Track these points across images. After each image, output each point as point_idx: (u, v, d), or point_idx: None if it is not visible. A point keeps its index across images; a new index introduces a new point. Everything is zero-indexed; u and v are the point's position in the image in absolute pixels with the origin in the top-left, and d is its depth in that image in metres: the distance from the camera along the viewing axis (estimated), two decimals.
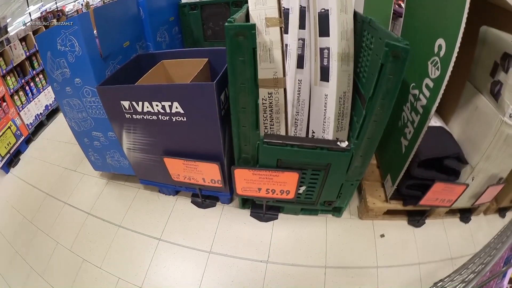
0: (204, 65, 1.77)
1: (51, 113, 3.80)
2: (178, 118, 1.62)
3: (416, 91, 1.66)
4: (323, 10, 1.53)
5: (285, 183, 1.65)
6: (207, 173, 1.77)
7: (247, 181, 1.67)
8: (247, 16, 1.51)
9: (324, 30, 1.53)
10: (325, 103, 1.59)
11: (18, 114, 3.28)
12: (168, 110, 1.61)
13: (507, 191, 1.93)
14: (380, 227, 1.97)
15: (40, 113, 3.62)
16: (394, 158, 1.89)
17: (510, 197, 2.00)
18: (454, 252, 1.87)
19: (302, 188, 1.73)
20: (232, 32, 1.23)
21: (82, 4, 4.84)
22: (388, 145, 1.99)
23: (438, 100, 1.45)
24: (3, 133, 2.98)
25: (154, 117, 1.67)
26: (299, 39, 1.58)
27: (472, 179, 1.75)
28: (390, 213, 1.98)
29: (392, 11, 2.22)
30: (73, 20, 1.75)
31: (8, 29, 4.58)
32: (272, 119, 1.57)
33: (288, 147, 1.54)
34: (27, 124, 3.37)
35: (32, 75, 3.67)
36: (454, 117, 1.90)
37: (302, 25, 1.60)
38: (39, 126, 3.61)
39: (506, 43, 1.51)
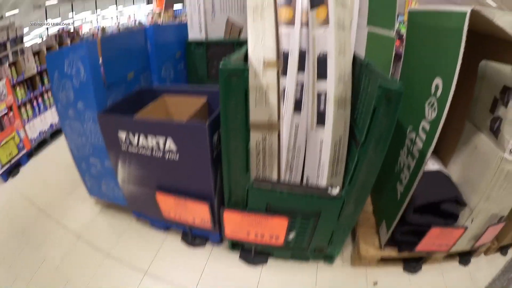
0: (203, 104, 1.79)
1: (55, 133, 3.86)
2: (171, 156, 1.62)
3: (413, 135, 1.63)
4: (321, 53, 1.53)
5: (274, 228, 1.61)
6: (197, 213, 1.75)
7: (236, 223, 1.64)
8: (245, 58, 1.53)
9: (322, 74, 1.53)
10: (320, 149, 1.57)
11: (23, 127, 3.33)
12: (161, 147, 1.61)
13: (509, 228, 1.85)
14: (374, 275, 1.89)
15: (45, 130, 3.67)
16: (389, 204, 1.85)
17: None
18: None
19: (292, 234, 1.69)
20: (226, 73, 1.25)
21: (98, 29, 5.02)
22: (384, 191, 1.95)
23: (434, 143, 1.42)
24: (6, 142, 3.03)
25: (148, 152, 1.67)
26: (298, 83, 1.58)
27: (472, 221, 1.69)
28: (385, 260, 1.91)
29: (393, 53, 2.24)
30: (81, 45, 1.80)
31: (24, 40, 4.74)
32: (265, 163, 1.56)
33: (277, 192, 1.51)
34: (30, 138, 3.42)
35: (41, 91, 3.76)
36: (453, 158, 1.86)
37: (302, 68, 1.61)
38: (42, 142, 3.66)
39: (506, 76, 1.49)
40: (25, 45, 4.22)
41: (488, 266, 1.95)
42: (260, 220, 1.59)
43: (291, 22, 1.60)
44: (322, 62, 1.53)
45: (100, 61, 1.90)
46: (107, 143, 1.84)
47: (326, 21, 1.51)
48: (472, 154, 1.67)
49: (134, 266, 1.95)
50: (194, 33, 2.49)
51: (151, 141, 1.63)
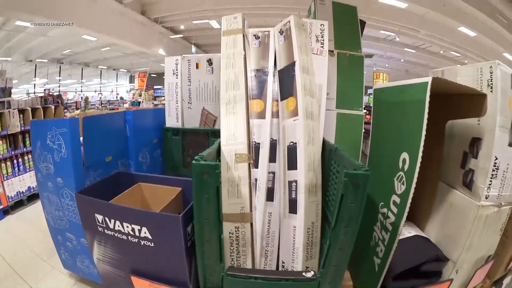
0: (177, 194, 1.85)
1: (32, 196, 3.82)
2: (146, 243, 1.63)
3: (385, 210, 1.68)
4: (291, 143, 1.63)
5: None
6: None
7: None
8: (218, 151, 1.60)
9: (292, 163, 1.61)
10: (294, 234, 1.61)
11: (2, 182, 3.30)
12: (137, 234, 1.63)
13: (499, 263, 1.87)
14: None
15: (22, 192, 3.62)
16: (368, 277, 1.86)
17: (504, 266, 1.92)
18: None
19: None
20: (198, 170, 1.30)
21: (81, 98, 5.14)
22: (361, 265, 1.97)
23: (405, 215, 1.47)
24: None
25: (124, 237, 1.68)
26: (269, 172, 1.66)
27: (457, 272, 1.69)
28: None
29: (363, 130, 2.37)
30: (64, 122, 1.85)
31: (12, 90, 4.79)
32: (239, 252, 1.58)
33: (252, 280, 1.52)
34: (8, 196, 3.37)
35: (22, 151, 3.75)
36: (430, 221, 1.90)
37: (273, 158, 1.69)
38: (19, 203, 3.60)
39: (473, 128, 1.58)
40: (12, 99, 4.25)
41: None
42: None
43: (262, 114, 1.70)
44: (292, 152, 1.61)
45: (81, 139, 1.95)
46: (84, 222, 1.84)
47: (295, 112, 1.62)
48: (449, 211, 1.73)
49: None
50: (171, 120, 2.58)
51: (127, 227, 1.64)
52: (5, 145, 3.54)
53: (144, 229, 1.60)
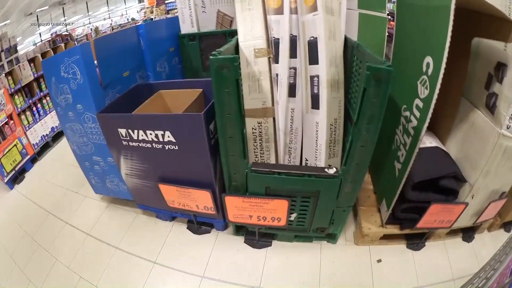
0: (198, 95, 1.83)
1: (56, 135, 3.92)
2: (170, 147, 1.66)
3: (408, 113, 1.65)
4: (312, 38, 1.56)
5: (275, 210, 1.66)
6: (200, 200, 1.79)
7: (238, 208, 1.68)
8: (236, 48, 1.55)
9: (313, 58, 1.56)
10: (317, 131, 1.61)
11: (25, 133, 3.38)
12: (161, 139, 1.65)
13: (511, 205, 1.87)
14: (377, 252, 1.93)
15: (46, 134, 3.72)
16: (388, 182, 1.88)
17: None
18: (456, 273, 1.80)
19: (293, 215, 1.73)
20: (216, 64, 1.27)
21: (91, 29, 5.01)
22: (382, 169, 1.98)
23: (427, 120, 1.44)
24: (9, 150, 3.08)
25: (149, 145, 1.72)
26: (290, 68, 1.61)
27: (472, 197, 1.70)
28: (387, 237, 1.95)
29: (386, 33, 2.24)
30: (75, 49, 1.83)
31: (18, 48, 4.74)
32: (262, 147, 1.60)
33: (275, 175, 1.55)
34: (33, 143, 3.47)
35: (39, 97, 3.81)
36: (450, 135, 1.87)
37: (293, 54, 1.63)
38: (45, 146, 3.71)
39: (499, 52, 1.49)
40: (20, 53, 4.22)
41: (492, 242, 1.97)
42: (261, 203, 1.63)
43: (279, 10, 1.62)
44: (313, 46, 1.55)
45: (95, 62, 1.93)
46: (108, 140, 1.88)
47: (314, 7, 1.54)
48: (470, 130, 1.68)
49: (143, 257, 2.01)
50: (187, 27, 2.52)
51: (150, 135, 1.67)
52: (21, 98, 3.58)
53: (167, 133, 1.61)
